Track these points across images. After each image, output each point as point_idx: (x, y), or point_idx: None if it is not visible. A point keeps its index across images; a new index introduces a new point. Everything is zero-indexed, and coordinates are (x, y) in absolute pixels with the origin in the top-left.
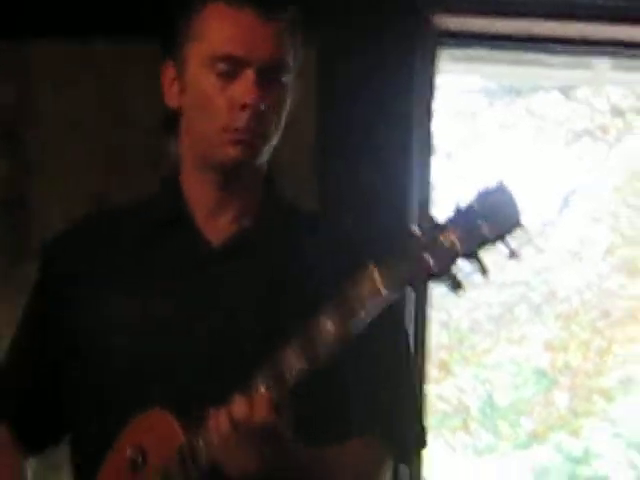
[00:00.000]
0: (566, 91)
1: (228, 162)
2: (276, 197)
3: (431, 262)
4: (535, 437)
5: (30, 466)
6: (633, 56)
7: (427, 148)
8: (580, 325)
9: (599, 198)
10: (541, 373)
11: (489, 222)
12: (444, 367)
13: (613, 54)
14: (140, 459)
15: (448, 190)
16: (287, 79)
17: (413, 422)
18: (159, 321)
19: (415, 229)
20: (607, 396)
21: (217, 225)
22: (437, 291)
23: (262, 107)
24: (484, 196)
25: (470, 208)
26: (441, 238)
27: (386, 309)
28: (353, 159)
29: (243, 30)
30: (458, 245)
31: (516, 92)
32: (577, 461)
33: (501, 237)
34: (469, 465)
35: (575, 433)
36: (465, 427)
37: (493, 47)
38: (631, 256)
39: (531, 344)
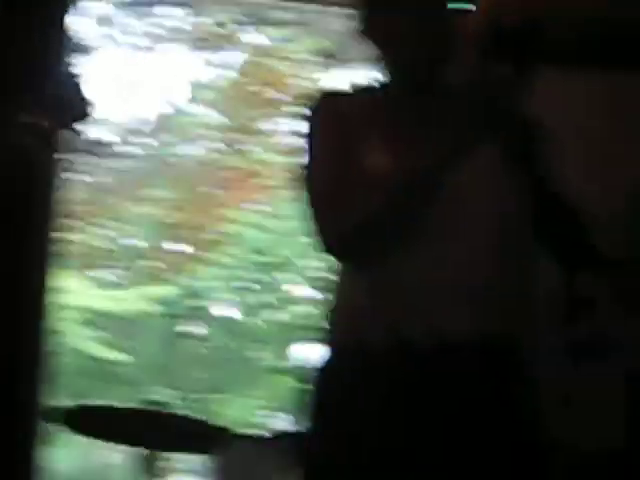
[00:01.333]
0: (188, 5)
1: None
2: None
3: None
4: (155, 277)
5: None
6: None
7: (71, 48)
8: (195, 189)
9: (216, 92)
10: (161, 226)
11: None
12: (81, 220)
13: None
14: None
15: (94, 86)
16: None
17: None
18: None
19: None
20: (215, 247)
21: None
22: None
23: None
24: (58, 85)
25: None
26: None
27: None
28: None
29: None
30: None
31: (144, 4)
32: (191, 296)
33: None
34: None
35: (189, 275)
36: (97, 266)
37: None
38: (237, 136)
39: (153, 203)
